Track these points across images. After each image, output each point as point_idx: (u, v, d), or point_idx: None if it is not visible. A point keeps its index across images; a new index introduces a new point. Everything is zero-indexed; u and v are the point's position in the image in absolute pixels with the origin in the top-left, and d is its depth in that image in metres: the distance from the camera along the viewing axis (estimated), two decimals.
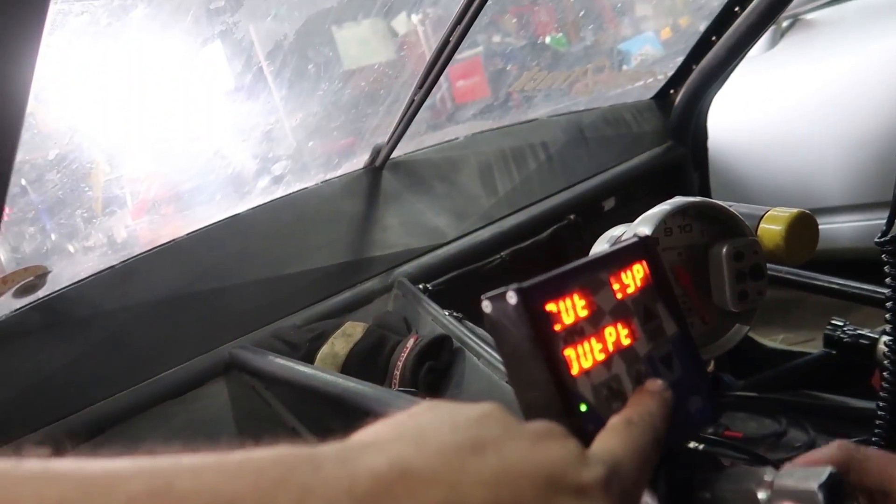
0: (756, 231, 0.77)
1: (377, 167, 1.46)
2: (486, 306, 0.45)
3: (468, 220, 1.48)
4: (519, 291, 0.44)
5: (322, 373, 0.89)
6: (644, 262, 0.52)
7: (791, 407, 1.46)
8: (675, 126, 1.94)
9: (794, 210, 0.77)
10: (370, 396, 0.75)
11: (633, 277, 0.51)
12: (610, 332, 0.47)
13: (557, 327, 0.45)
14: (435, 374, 0.90)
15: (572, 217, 1.59)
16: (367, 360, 0.99)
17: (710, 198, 2.03)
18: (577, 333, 0.46)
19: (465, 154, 1.61)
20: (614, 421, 0.42)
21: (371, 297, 1.24)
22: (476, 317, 1.20)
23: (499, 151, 1.65)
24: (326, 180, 1.42)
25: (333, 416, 0.87)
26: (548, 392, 0.43)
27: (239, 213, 1.28)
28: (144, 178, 2.03)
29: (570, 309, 0.46)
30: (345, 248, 1.32)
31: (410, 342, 0.95)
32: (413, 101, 1.33)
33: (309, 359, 1.01)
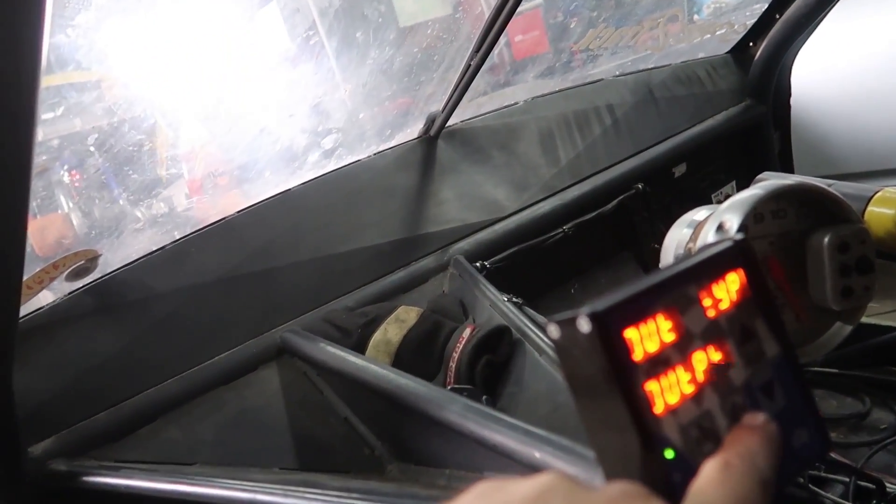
0: (863, 215, 0.67)
1: (432, 136, 1.39)
2: (554, 331, 0.38)
3: (528, 192, 1.40)
4: (593, 317, 0.37)
5: (373, 365, 0.84)
6: (741, 271, 0.44)
7: (876, 385, 1.34)
8: (755, 83, 1.78)
9: None
10: (422, 396, 0.70)
11: (728, 290, 0.43)
12: (700, 359, 0.40)
13: (638, 357, 0.38)
14: (493, 367, 0.84)
15: (640, 186, 1.49)
16: (421, 348, 0.94)
17: (791, 161, 1.88)
18: (661, 363, 0.38)
19: (524, 120, 1.52)
20: (709, 467, 0.35)
21: (426, 276, 1.19)
22: (536, 298, 1.13)
23: (561, 116, 1.55)
24: (379, 152, 1.36)
25: (387, 409, 0.82)
26: (627, 437, 0.36)
27: (290, 189, 1.24)
28: (199, 152, 2.03)
29: (653, 334, 0.39)
30: (399, 225, 1.26)
31: (467, 332, 0.89)
32: (469, 65, 1.25)
33: (361, 345, 0.97)
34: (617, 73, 1.80)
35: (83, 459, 0.86)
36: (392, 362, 0.95)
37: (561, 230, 1.34)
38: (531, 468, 0.57)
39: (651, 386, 0.38)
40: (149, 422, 0.93)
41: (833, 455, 1.31)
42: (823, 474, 1.11)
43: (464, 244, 1.26)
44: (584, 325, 0.37)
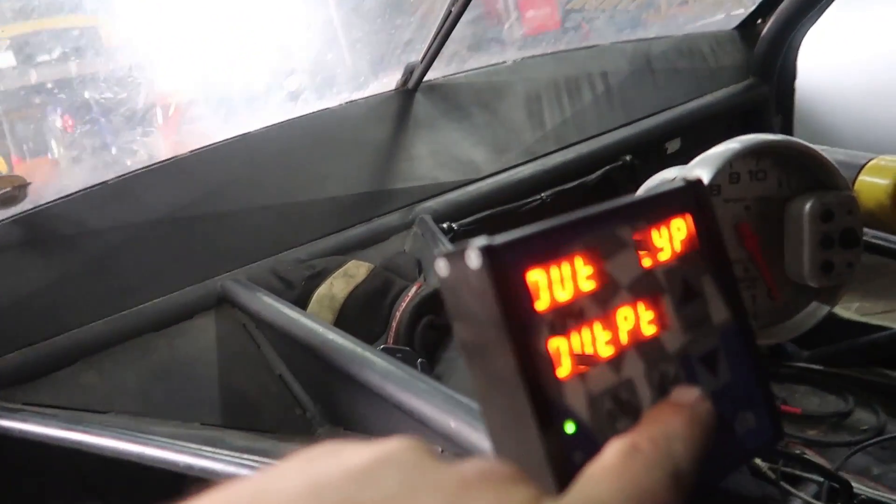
0: (853, 185, 0.60)
1: (409, 89, 1.30)
2: (442, 268, 0.31)
3: (508, 155, 1.32)
4: (486, 251, 0.29)
5: (305, 319, 0.77)
6: (689, 217, 0.36)
7: (861, 385, 1.29)
8: (760, 61, 1.69)
9: None
10: (346, 354, 0.63)
11: (671, 238, 0.35)
12: (625, 316, 0.32)
13: (543, 305, 0.30)
14: (436, 329, 0.77)
15: (628, 158, 1.41)
16: (367, 306, 0.87)
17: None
18: (573, 316, 0.31)
19: (511, 80, 1.43)
20: (611, 449, 0.28)
21: (388, 233, 1.11)
22: None
23: (550, 80, 1.46)
24: (352, 101, 1.27)
25: (317, 367, 0.75)
26: (517, 402, 0.29)
27: (249, 132, 1.16)
28: (178, 91, 1.95)
29: (567, 279, 0.31)
30: (365, 178, 1.18)
31: (412, 290, 0.82)
32: (450, 12, 1.16)
33: (304, 299, 0.90)
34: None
35: None
36: (335, 319, 0.87)
37: (538, 197, 1.27)
38: (446, 438, 0.50)
39: (557, 343, 0.30)
40: (67, 364, 0.86)
41: (808, 454, 1.25)
42: (798, 472, 1.05)
43: (432, 203, 1.18)
44: (474, 260, 0.29)
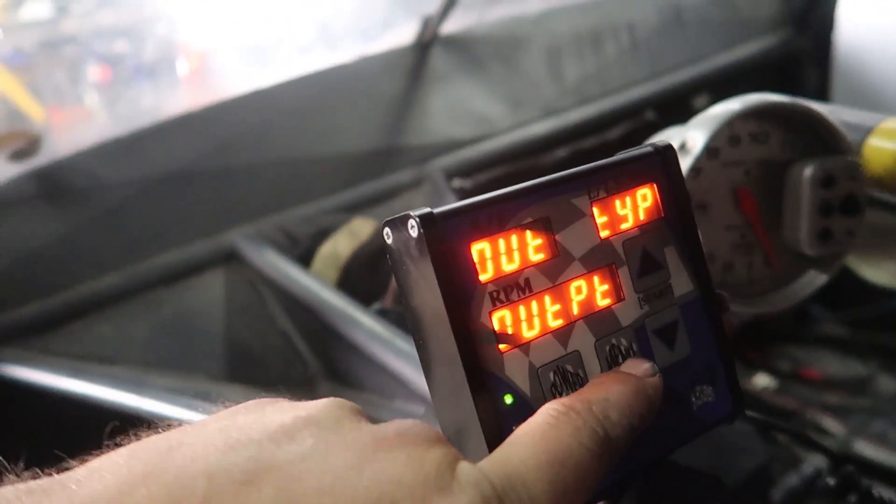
0: (862, 147, 0.57)
1: (425, 42, 1.28)
2: (387, 234, 0.31)
3: (525, 110, 1.29)
4: (426, 220, 0.29)
5: (304, 277, 0.77)
6: (654, 186, 0.35)
7: (885, 351, 1.26)
8: (799, 11, 1.61)
9: None
10: (338, 313, 0.64)
11: (635, 207, 0.34)
12: (578, 288, 0.32)
13: (487, 276, 0.30)
14: None
15: (650, 114, 1.36)
16: (371, 265, 0.87)
17: (829, 103, 1.72)
18: (518, 288, 0.30)
19: (532, 32, 1.39)
20: (543, 410, 0.27)
21: (398, 190, 1.11)
22: None
23: (573, 32, 1.41)
24: (366, 57, 1.26)
25: (317, 325, 0.76)
26: (456, 375, 0.29)
27: (262, 88, 1.15)
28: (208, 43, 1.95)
29: (513, 251, 0.30)
30: (376, 134, 1.17)
31: None
32: None
33: (309, 256, 0.90)
34: None
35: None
36: (339, 277, 0.88)
37: (555, 154, 1.24)
38: (425, 399, 0.50)
39: (501, 314, 0.30)
40: (80, 316, 0.89)
41: (825, 419, 1.23)
42: (813, 437, 1.04)
43: (445, 160, 1.17)
44: (413, 229, 0.29)
